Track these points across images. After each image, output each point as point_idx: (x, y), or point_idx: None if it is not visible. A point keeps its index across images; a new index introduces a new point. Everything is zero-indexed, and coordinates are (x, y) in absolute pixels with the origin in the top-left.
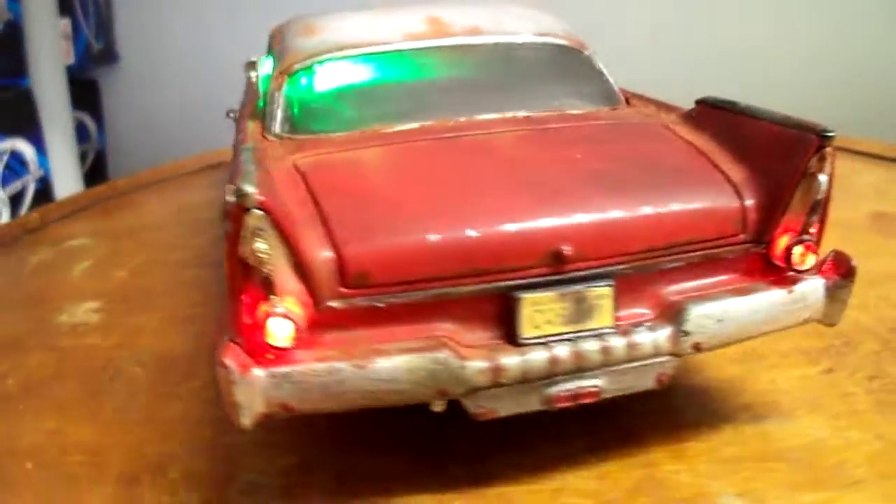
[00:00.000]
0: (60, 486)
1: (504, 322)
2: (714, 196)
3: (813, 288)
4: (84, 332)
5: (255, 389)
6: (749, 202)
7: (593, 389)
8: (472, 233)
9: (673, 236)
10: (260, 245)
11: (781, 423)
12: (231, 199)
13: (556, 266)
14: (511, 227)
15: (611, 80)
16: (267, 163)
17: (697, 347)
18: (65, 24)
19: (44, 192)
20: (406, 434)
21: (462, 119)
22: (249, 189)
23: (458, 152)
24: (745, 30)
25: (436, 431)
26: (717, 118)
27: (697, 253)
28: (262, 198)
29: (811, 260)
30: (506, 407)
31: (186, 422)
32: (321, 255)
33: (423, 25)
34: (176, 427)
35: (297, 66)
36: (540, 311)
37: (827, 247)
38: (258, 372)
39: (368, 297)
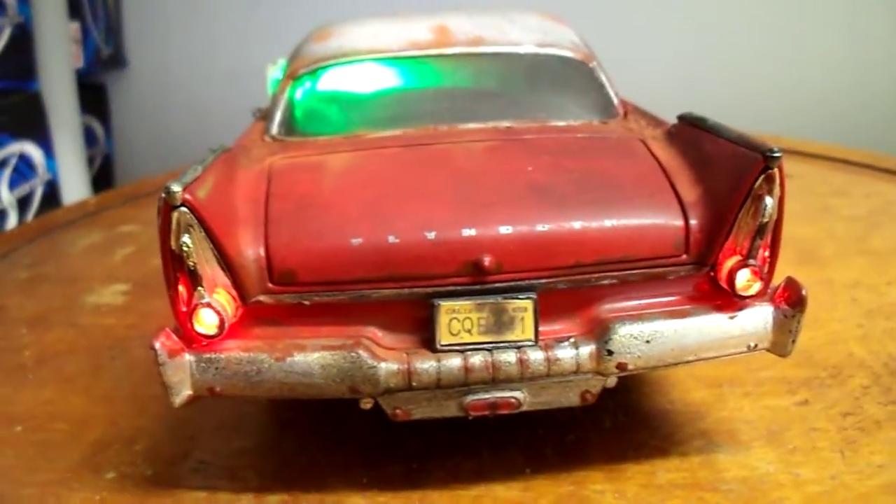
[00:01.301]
0: (39, 449)
1: (423, 328)
2: (655, 215)
3: (759, 315)
4: (106, 313)
5: (184, 372)
6: (694, 222)
7: (511, 401)
8: (393, 239)
9: (603, 253)
10: (185, 239)
11: (733, 453)
12: (162, 195)
13: (476, 276)
14: (431, 236)
15: (611, 92)
16: (245, 163)
17: (622, 367)
18: (74, 28)
19: (51, 195)
20: (358, 430)
21: (444, 127)
22: (176, 188)
23: (418, 161)
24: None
25: (385, 429)
26: (690, 135)
27: (633, 271)
28: (187, 196)
29: (756, 286)
30: (422, 410)
31: (164, 401)
32: (253, 252)
33: (430, 34)
34: (154, 405)
35: (301, 71)
36: (458, 319)
37: (860, 272)
38: (187, 356)
39: (295, 294)
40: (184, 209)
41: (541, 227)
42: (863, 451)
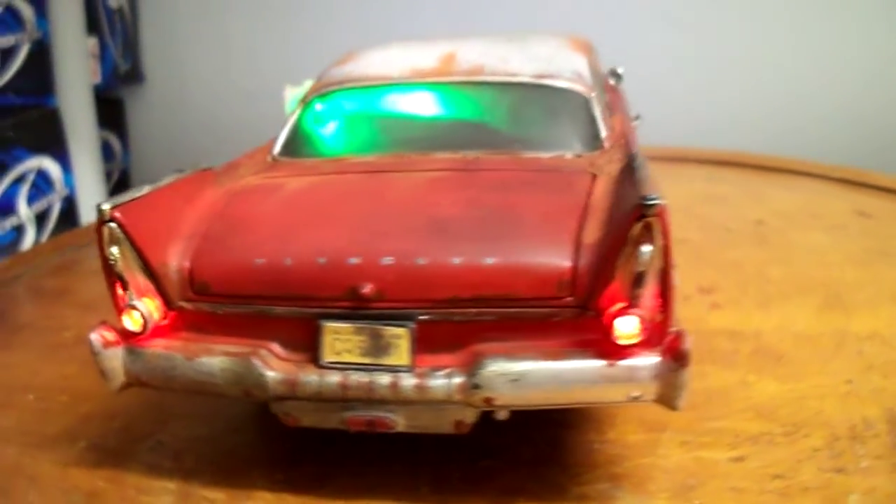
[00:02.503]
0: (38, 415)
1: (312, 345)
2: (544, 255)
3: (642, 365)
4: None
5: (117, 362)
6: (583, 265)
7: (387, 421)
8: (288, 262)
9: (481, 290)
10: (112, 250)
11: (631, 502)
12: (96, 211)
13: (358, 302)
14: (321, 261)
15: (601, 126)
16: (222, 181)
17: (489, 402)
18: (92, 43)
19: (69, 210)
20: (305, 435)
21: (416, 156)
22: (105, 206)
23: (361, 189)
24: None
25: (322, 439)
26: (625, 174)
27: (514, 310)
28: (116, 214)
29: (634, 334)
30: (308, 419)
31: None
32: (177, 264)
33: (435, 61)
34: (146, 390)
35: (312, 95)
36: (339, 340)
37: (884, 323)
38: (118, 349)
39: (209, 304)
40: (112, 224)
41: (420, 261)
42: None
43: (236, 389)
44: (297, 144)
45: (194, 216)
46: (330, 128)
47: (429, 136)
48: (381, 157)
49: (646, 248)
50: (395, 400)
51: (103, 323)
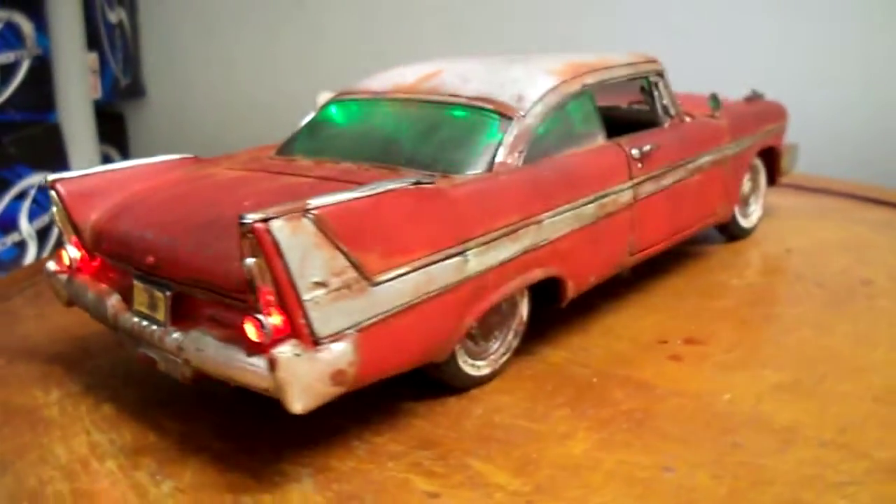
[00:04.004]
0: (47, 362)
1: (131, 295)
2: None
3: (257, 363)
4: None
5: (61, 285)
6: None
7: (152, 358)
8: (125, 230)
9: (201, 275)
10: (52, 210)
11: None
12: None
13: (146, 269)
14: (136, 233)
15: (502, 150)
16: (189, 169)
17: (188, 363)
18: (92, 58)
19: None
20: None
21: (324, 162)
22: (50, 177)
23: (235, 183)
24: None
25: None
26: None
27: (219, 296)
28: (55, 183)
29: (253, 335)
30: (128, 346)
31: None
32: (90, 224)
33: (414, 79)
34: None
35: (323, 104)
36: (139, 294)
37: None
38: (62, 276)
39: (100, 252)
40: (52, 191)
41: (176, 245)
42: None
43: (100, 317)
44: (287, 143)
45: (136, 193)
46: (312, 132)
47: (350, 147)
48: (301, 161)
49: (249, 261)
50: (156, 346)
51: (59, 256)
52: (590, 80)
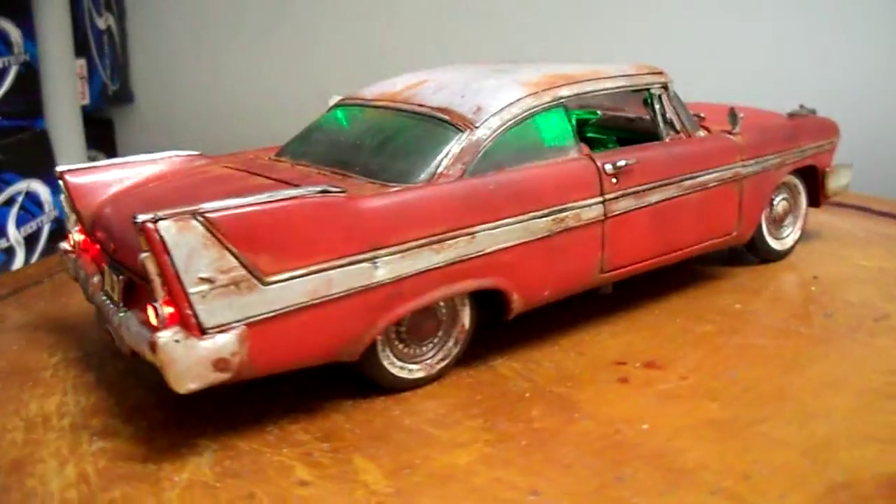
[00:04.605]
0: (51, 331)
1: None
2: None
3: (153, 343)
4: None
5: (69, 262)
6: None
7: (111, 333)
8: (107, 218)
9: (131, 262)
10: (61, 197)
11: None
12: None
13: (110, 254)
14: (111, 223)
15: (445, 159)
16: (186, 167)
17: (121, 340)
18: (80, 64)
19: (59, 232)
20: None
21: (300, 166)
22: (59, 168)
23: (210, 179)
24: None
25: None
26: None
27: (141, 280)
28: (63, 173)
29: (154, 320)
30: (99, 322)
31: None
32: (89, 209)
33: (400, 87)
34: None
35: (328, 108)
36: (107, 276)
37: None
38: (71, 256)
39: (92, 238)
40: (60, 181)
41: (125, 236)
42: None
43: (87, 295)
44: (284, 145)
45: (131, 185)
46: (305, 135)
47: (324, 152)
48: (284, 163)
49: (142, 255)
50: (111, 323)
51: (68, 238)
52: (565, 92)
